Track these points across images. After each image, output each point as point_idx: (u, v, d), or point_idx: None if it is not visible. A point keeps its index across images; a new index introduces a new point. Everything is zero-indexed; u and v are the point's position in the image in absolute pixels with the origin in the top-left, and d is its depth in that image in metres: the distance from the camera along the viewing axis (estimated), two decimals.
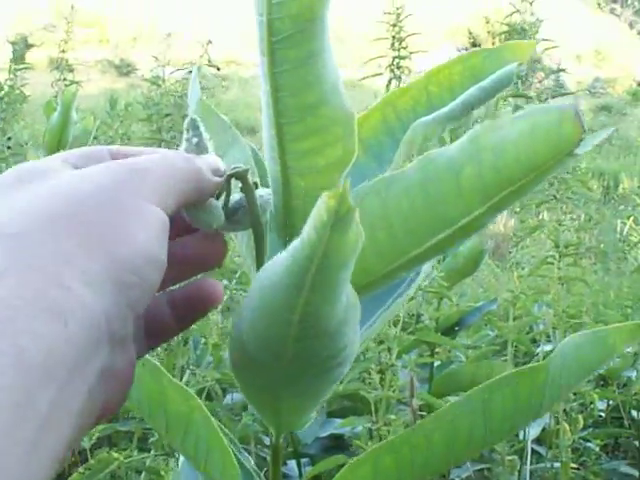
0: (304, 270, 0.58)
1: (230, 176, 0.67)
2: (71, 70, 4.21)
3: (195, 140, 0.66)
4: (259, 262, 0.72)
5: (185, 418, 0.86)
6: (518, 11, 3.28)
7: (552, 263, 2.27)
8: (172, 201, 0.53)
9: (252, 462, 0.93)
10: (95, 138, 3.81)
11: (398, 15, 3.14)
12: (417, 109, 0.85)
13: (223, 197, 0.68)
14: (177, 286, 0.64)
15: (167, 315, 0.60)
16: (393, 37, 3.16)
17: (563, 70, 3.68)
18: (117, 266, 0.46)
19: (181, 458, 1.01)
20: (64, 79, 4.18)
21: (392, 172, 0.71)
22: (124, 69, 34.01)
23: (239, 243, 0.80)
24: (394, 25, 3.17)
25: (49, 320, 0.42)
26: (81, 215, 0.47)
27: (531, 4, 3.16)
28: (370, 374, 1.71)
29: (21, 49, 3.91)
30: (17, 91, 3.75)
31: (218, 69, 4.01)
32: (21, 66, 3.78)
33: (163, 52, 3.97)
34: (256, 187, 0.69)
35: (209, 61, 3.91)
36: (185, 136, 0.66)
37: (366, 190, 0.71)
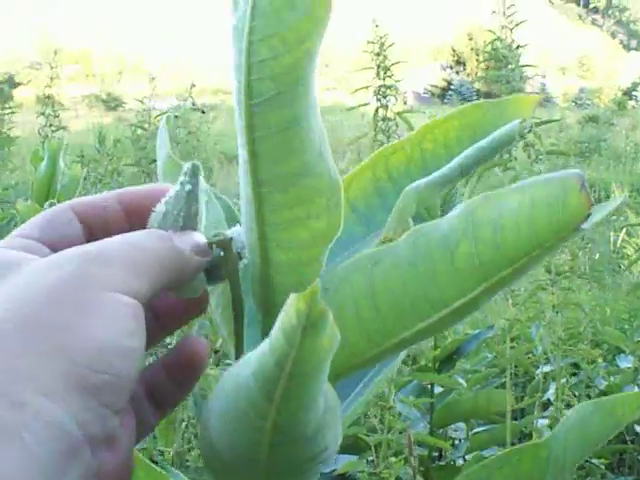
0: (273, 378, 0.54)
1: (212, 243, 0.64)
2: (57, 115, 4.22)
3: (188, 187, 0.63)
4: (238, 335, 0.67)
5: None
6: (499, 38, 3.30)
7: (545, 289, 2.27)
8: (144, 285, 0.50)
9: None
10: (85, 178, 3.82)
11: (382, 45, 3.17)
12: (410, 167, 0.80)
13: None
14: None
15: (166, 381, 0.59)
16: (378, 66, 3.18)
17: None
18: (79, 370, 0.44)
19: None
20: (50, 125, 4.19)
21: (380, 246, 0.66)
22: (111, 103, 34.07)
23: (215, 312, 0.73)
24: (378, 54, 3.19)
25: (2, 442, 0.40)
26: (32, 319, 0.45)
27: (511, 30, 3.18)
28: (368, 416, 1.70)
29: (8, 88, 3.92)
30: (4, 135, 3.77)
31: (203, 112, 4.04)
32: (7, 111, 3.80)
33: (148, 95, 4.00)
34: (240, 258, 0.66)
35: (193, 104, 3.95)
36: (180, 179, 0.63)
37: (351, 266, 0.66)
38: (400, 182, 0.78)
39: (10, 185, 3.68)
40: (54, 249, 0.53)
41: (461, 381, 2.44)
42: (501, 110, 0.78)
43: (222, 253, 0.65)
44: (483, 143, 0.72)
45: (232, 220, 0.74)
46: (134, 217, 0.60)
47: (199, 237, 0.60)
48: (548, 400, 2.57)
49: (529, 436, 2.47)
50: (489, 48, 3.23)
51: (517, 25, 3.18)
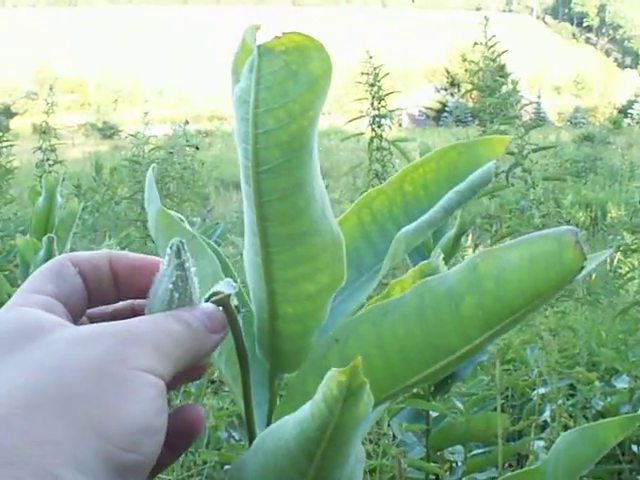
0: (315, 441, 0.60)
1: (211, 300, 0.67)
2: (54, 150, 4.27)
3: (175, 262, 0.66)
4: (245, 383, 0.71)
5: None
6: (493, 60, 3.35)
7: (540, 311, 2.30)
8: (168, 367, 0.53)
9: None
10: (83, 208, 3.85)
11: (376, 75, 3.22)
12: (393, 210, 0.84)
13: None
14: None
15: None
16: (372, 97, 3.24)
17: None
18: (114, 449, 0.46)
19: None
20: (48, 159, 4.24)
21: (386, 300, 0.70)
22: (107, 131, 34.22)
23: (218, 359, 0.78)
24: (372, 85, 3.25)
25: None
26: (68, 392, 0.47)
27: (493, 61, 3.23)
28: (363, 443, 1.73)
29: (5, 119, 3.94)
30: (2, 167, 3.79)
31: (197, 148, 4.10)
32: (5, 143, 3.82)
33: (142, 128, 4.06)
34: (238, 311, 0.69)
35: (187, 141, 4.01)
36: (176, 261, 0.66)
37: (361, 320, 0.70)
38: (384, 224, 0.83)
39: (8, 217, 3.71)
40: (66, 305, 0.56)
41: (458, 404, 2.46)
42: (474, 151, 0.82)
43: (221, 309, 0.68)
44: (461, 187, 0.78)
45: (228, 271, 0.79)
46: (123, 285, 0.63)
47: (214, 311, 0.64)
48: (545, 422, 2.59)
49: (526, 458, 2.49)
50: (474, 79, 3.28)
51: (499, 55, 3.23)
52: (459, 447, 2.47)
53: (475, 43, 3.33)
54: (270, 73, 0.65)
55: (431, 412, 2.25)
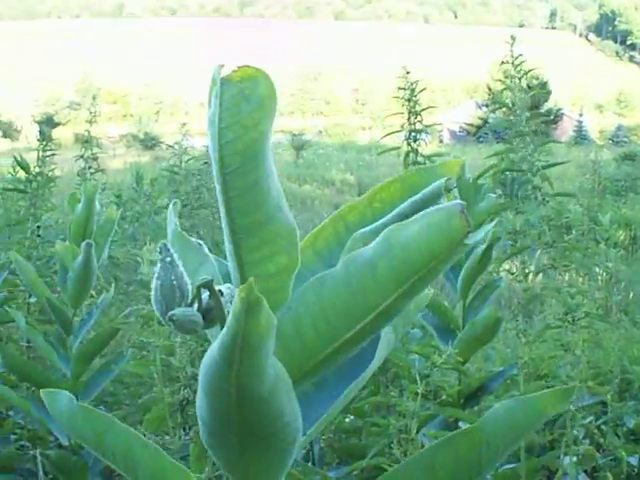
0: (231, 347, 0.77)
1: (199, 286, 0.87)
2: (95, 158, 4.34)
3: (168, 259, 0.88)
4: None
5: None
6: (527, 73, 3.36)
7: (567, 326, 2.31)
8: None
9: None
10: (123, 218, 3.91)
11: (412, 90, 3.25)
12: (364, 222, 1.00)
13: (197, 303, 0.88)
14: None
15: None
16: (409, 112, 3.27)
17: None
18: None
19: None
20: (89, 167, 4.31)
21: (324, 272, 0.89)
22: (148, 142, 34.39)
23: (212, 339, 0.91)
24: (409, 100, 3.27)
25: None
26: None
27: (520, 80, 3.24)
28: (392, 448, 1.75)
29: (48, 128, 4.00)
30: (46, 176, 3.86)
31: None
32: (48, 152, 3.88)
33: (179, 139, 4.11)
34: (221, 294, 0.88)
35: None
36: (159, 257, 0.88)
37: (306, 288, 0.89)
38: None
39: (50, 225, 3.77)
40: None
41: None
42: (434, 173, 1.01)
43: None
44: (415, 198, 0.95)
45: (226, 275, 0.98)
46: None
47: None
48: (576, 437, 2.58)
49: (555, 472, 2.48)
50: (501, 97, 3.30)
51: (527, 73, 3.25)
52: None
53: (502, 62, 3.36)
54: (229, 97, 0.87)
55: (460, 424, 2.27)
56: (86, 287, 2.33)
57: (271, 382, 0.81)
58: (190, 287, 0.89)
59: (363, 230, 0.94)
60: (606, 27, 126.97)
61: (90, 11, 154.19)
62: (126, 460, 0.97)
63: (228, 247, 0.93)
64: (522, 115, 3.19)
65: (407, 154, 3.28)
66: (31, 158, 3.90)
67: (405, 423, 1.76)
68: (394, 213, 0.95)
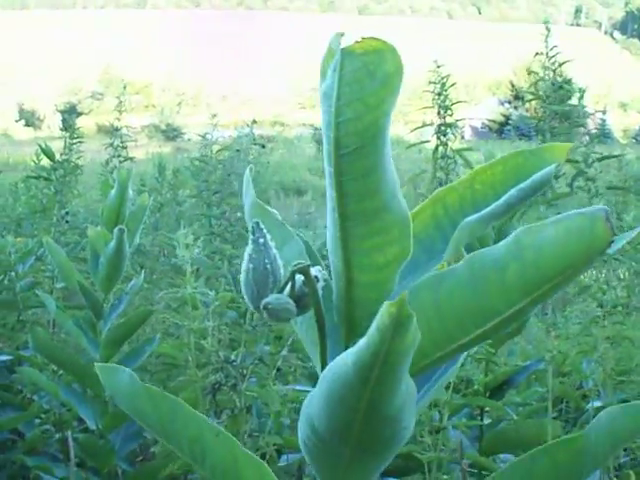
0: (370, 366, 0.71)
1: (294, 271, 0.80)
2: (125, 147, 4.35)
3: (261, 240, 0.81)
4: (322, 346, 0.83)
5: None
6: (554, 71, 3.34)
7: (597, 322, 2.31)
8: None
9: None
10: None
11: (443, 84, 3.25)
12: (463, 205, 0.94)
13: (288, 288, 0.82)
14: None
15: None
16: (439, 106, 3.27)
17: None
18: None
19: None
20: (119, 155, 4.34)
21: (443, 269, 0.82)
22: (170, 134, 34.40)
23: (299, 327, 0.90)
24: (439, 94, 3.28)
25: None
26: None
27: (554, 71, 3.22)
28: (423, 436, 1.77)
29: (71, 117, 4.02)
30: (72, 164, 3.89)
31: (263, 146, 4.15)
32: (75, 139, 3.91)
33: (209, 129, 4.13)
34: (317, 280, 0.81)
35: (254, 139, 4.07)
36: (251, 237, 0.80)
37: (421, 286, 0.82)
38: (455, 217, 0.94)
39: (78, 211, 3.80)
40: None
41: (511, 413, 2.47)
42: (539, 156, 0.94)
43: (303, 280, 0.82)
44: (524, 185, 0.88)
45: (311, 255, 0.92)
46: None
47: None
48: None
49: None
50: (532, 89, 3.28)
51: (560, 65, 3.23)
52: (509, 456, 2.48)
53: (536, 53, 3.34)
54: (350, 72, 0.79)
55: (485, 420, 2.27)
56: (118, 272, 2.34)
57: (402, 400, 0.77)
58: (283, 272, 0.83)
59: (469, 219, 0.87)
60: (632, 25, 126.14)
61: (115, 2, 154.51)
62: (193, 447, 0.92)
63: (333, 233, 0.85)
64: (579, 107, 3.15)
65: (436, 148, 3.28)
66: (55, 147, 3.93)
67: (435, 412, 1.78)
68: (501, 202, 0.88)
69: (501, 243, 0.79)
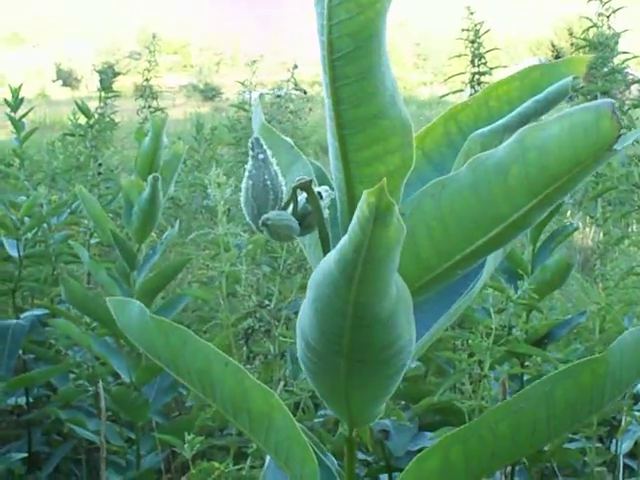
0: (352, 262, 0.67)
1: (295, 187, 0.77)
2: (155, 97, 4.32)
3: (261, 156, 0.78)
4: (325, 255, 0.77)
5: (266, 417, 0.89)
6: (595, 25, 3.25)
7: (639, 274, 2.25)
8: None
9: (333, 460, 0.97)
10: (184, 163, 3.91)
11: (477, 32, 3.16)
12: (478, 122, 0.90)
13: (291, 207, 0.79)
14: None
15: None
16: (472, 53, 3.18)
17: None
18: None
19: (267, 458, 1.05)
20: (149, 107, 4.30)
21: (444, 176, 0.77)
22: (209, 93, 34.32)
23: (307, 250, 0.86)
24: (473, 42, 3.19)
25: None
26: None
27: (608, 17, 3.12)
28: (463, 384, 1.73)
29: (108, 77, 4.01)
30: (107, 119, 3.87)
31: (305, 92, 4.08)
32: (110, 94, 3.89)
33: (249, 78, 4.08)
34: (320, 197, 0.79)
35: (295, 84, 3.99)
36: (251, 154, 0.77)
37: (422, 193, 0.78)
38: (469, 134, 0.87)
39: (114, 166, 3.78)
40: None
41: (552, 370, 2.42)
42: (556, 71, 0.89)
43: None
44: (540, 97, 0.84)
45: (322, 178, 0.88)
46: None
47: None
48: (637, 395, 2.53)
49: (617, 427, 2.43)
50: (584, 35, 3.18)
51: (614, 12, 3.13)
52: None
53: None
54: None
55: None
56: (151, 222, 2.30)
57: (392, 302, 0.72)
58: (285, 188, 0.79)
59: (481, 131, 0.82)
60: None
61: None
62: (203, 378, 0.89)
63: (332, 145, 0.81)
64: (615, 54, 3.05)
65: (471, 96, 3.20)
66: (92, 106, 3.91)
67: (477, 360, 1.74)
68: (514, 113, 0.83)
69: (504, 144, 0.75)
